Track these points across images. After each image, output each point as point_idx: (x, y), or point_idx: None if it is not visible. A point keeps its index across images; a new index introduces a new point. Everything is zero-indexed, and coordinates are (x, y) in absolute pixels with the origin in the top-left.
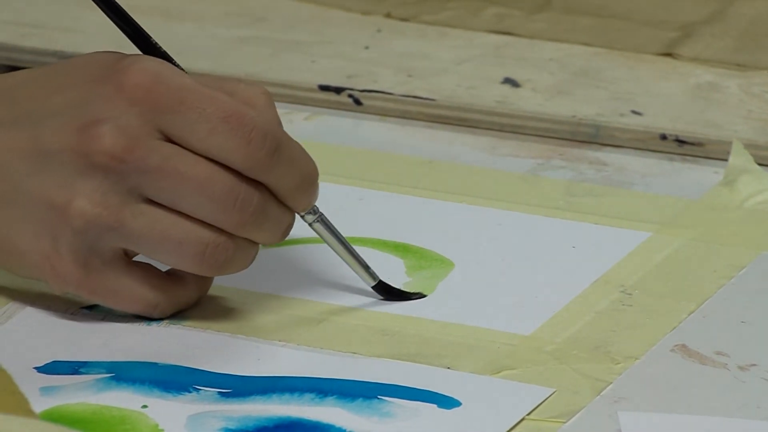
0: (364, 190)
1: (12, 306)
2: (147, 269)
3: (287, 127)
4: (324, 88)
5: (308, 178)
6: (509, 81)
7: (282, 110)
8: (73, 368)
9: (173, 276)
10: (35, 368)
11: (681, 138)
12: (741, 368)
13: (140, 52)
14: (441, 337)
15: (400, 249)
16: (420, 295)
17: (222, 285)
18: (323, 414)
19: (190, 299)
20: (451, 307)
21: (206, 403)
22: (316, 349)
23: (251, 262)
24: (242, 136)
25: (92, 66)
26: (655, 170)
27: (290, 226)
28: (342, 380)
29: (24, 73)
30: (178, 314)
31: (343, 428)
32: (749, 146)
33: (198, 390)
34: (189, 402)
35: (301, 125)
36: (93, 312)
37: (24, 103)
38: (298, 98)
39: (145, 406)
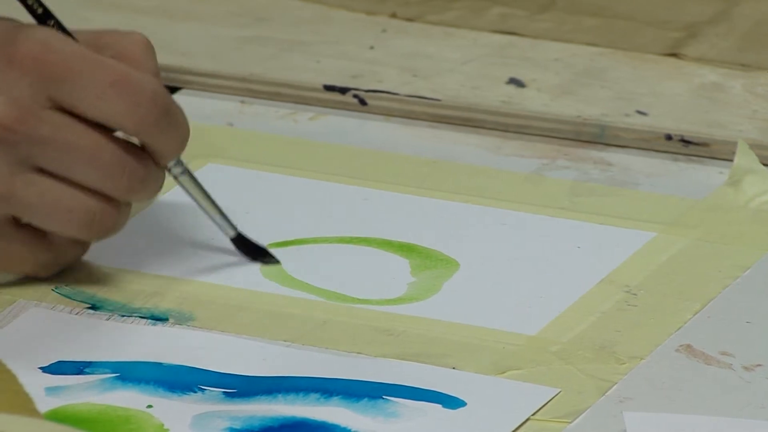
0: (369, 190)
1: (17, 306)
2: (32, 230)
3: (292, 128)
4: (329, 88)
5: (186, 139)
6: (514, 81)
7: (286, 110)
8: (78, 368)
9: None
10: (40, 368)
11: (686, 138)
12: (746, 368)
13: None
14: (446, 337)
15: (405, 249)
16: (274, 261)
17: (226, 285)
18: (328, 414)
19: (74, 256)
20: (456, 307)
21: (211, 403)
22: (321, 349)
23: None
24: (131, 101)
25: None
26: (660, 170)
27: (162, 181)
28: (347, 380)
29: None
30: (183, 314)
31: (349, 428)
32: (754, 146)
33: (203, 390)
34: (194, 402)
35: (305, 125)
36: (98, 312)
37: None
38: (302, 98)
39: (150, 406)
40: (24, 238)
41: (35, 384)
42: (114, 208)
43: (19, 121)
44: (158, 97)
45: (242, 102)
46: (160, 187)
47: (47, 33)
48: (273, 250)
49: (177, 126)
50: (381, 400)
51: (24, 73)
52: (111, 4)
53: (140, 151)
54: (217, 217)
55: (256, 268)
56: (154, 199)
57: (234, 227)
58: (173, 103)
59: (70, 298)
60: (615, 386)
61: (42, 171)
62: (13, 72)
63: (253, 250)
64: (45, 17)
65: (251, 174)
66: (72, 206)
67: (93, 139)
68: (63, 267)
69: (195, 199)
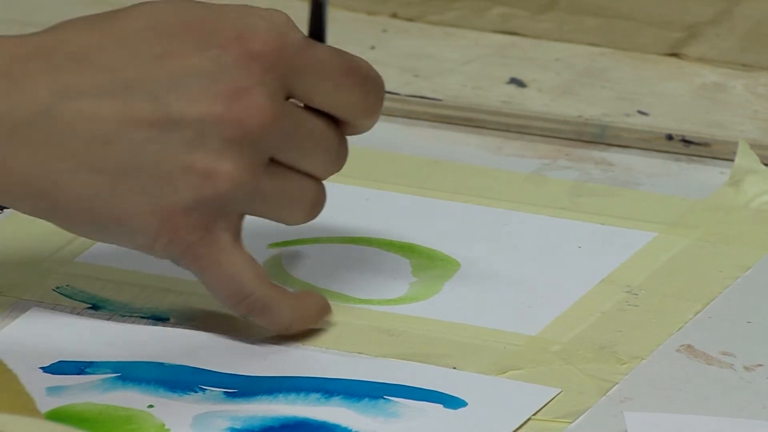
0: (370, 190)
1: (18, 306)
2: (253, 259)
3: None
4: None
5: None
6: (515, 81)
7: None
8: (79, 368)
9: (278, 286)
10: (41, 368)
11: (687, 138)
12: (747, 368)
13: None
14: (447, 337)
15: (406, 249)
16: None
17: None
18: (329, 414)
19: (282, 316)
20: (456, 307)
21: (212, 403)
22: (322, 349)
23: None
24: (363, 90)
25: (187, 27)
26: (661, 170)
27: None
28: (348, 380)
29: (82, 33)
30: (183, 314)
31: (349, 428)
32: (755, 146)
33: (204, 390)
34: (195, 402)
35: None
36: (99, 312)
37: (122, 69)
38: None
39: (151, 406)
40: (244, 254)
41: (36, 384)
42: (323, 188)
43: (276, 117)
44: (381, 84)
45: None
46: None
47: (280, 27)
48: (275, 250)
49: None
50: (382, 400)
51: (269, 67)
52: (115, 3)
53: (340, 130)
54: None
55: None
56: None
57: None
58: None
59: (71, 297)
60: (616, 386)
61: (277, 162)
62: (259, 66)
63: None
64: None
65: None
66: (303, 195)
67: (323, 128)
68: (266, 315)
69: None
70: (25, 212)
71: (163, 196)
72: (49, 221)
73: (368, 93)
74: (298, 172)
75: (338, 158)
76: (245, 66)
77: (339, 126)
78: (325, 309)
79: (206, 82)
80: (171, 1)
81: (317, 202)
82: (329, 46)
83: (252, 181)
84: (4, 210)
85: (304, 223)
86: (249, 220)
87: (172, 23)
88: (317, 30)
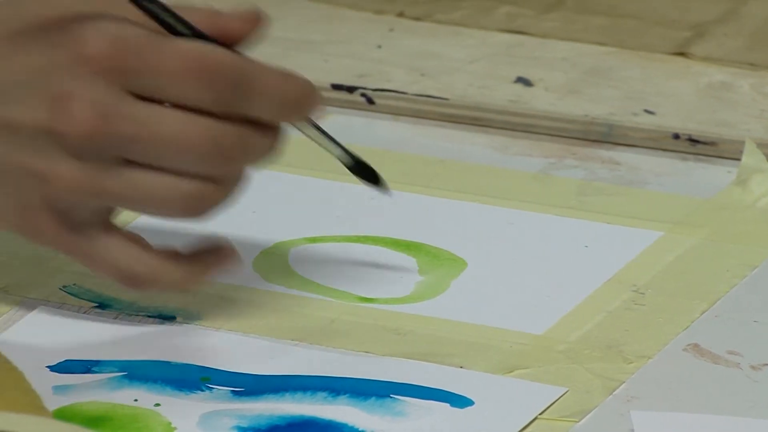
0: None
1: (24, 305)
2: (128, 237)
3: None
4: (336, 87)
5: (288, 96)
6: (522, 80)
7: None
8: (86, 367)
9: (167, 252)
10: (48, 367)
11: (694, 137)
12: (753, 368)
13: None
14: (453, 337)
15: (413, 248)
16: (386, 188)
17: (234, 284)
18: (336, 413)
19: (174, 281)
20: (463, 306)
21: (219, 402)
22: (329, 348)
23: (242, 190)
24: (206, 81)
25: (41, 23)
26: (668, 169)
27: (276, 145)
28: (355, 379)
29: None
30: (190, 313)
31: (356, 427)
32: (762, 146)
33: (210, 389)
34: (202, 400)
35: None
36: (106, 311)
37: None
38: None
39: (157, 405)
40: (113, 239)
41: (43, 383)
42: (211, 186)
43: (102, 125)
44: (225, 68)
45: None
46: (273, 147)
47: (114, 24)
48: (282, 249)
49: (264, 87)
50: (388, 399)
51: (97, 72)
52: None
53: (231, 123)
54: (336, 149)
55: (259, 266)
56: (272, 159)
57: (351, 155)
58: (250, 66)
59: (77, 296)
60: (622, 385)
61: (132, 162)
62: (86, 72)
63: (370, 175)
64: None
65: (259, 173)
66: (166, 195)
67: (177, 124)
68: (158, 287)
69: (311, 137)
70: None
71: (15, 196)
72: None
73: (211, 81)
74: (164, 171)
75: (215, 151)
76: (72, 69)
77: (230, 121)
78: (223, 258)
79: (37, 86)
80: None
81: (191, 202)
82: (174, 40)
83: (92, 183)
84: None
85: (192, 221)
86: (256, 218)
87: (45, 17)
88: (164, 23)
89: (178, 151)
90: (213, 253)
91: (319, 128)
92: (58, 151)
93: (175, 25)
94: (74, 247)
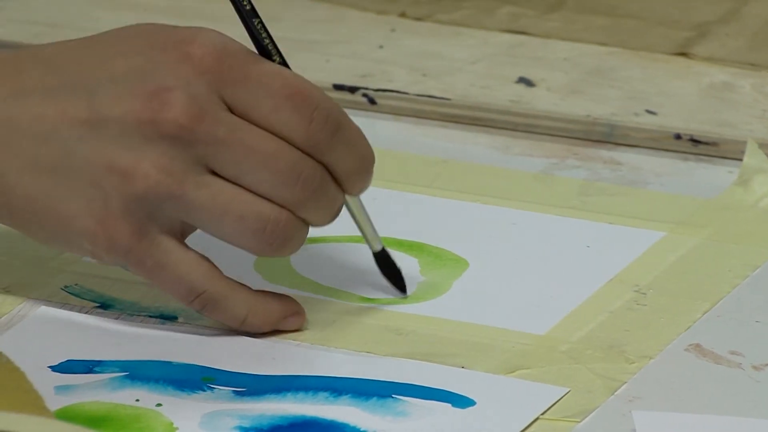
0: (379, 189)
1: (26, 305)
2: (201, 256)
3: None
4: (338, 87)
5: (365, 161)
6: (523, 80)
7: None
8: (88, 367)
9: (232, 281)
10: (50, 367)
11: (695, 137)
12: (755, 368)
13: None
14: (455, 337)
15: (415, 248)
16: (402, 291)
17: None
18: (338, 413)
19: (236, 310)
20: (465, 306)
21: (221, 402)
22: (331, 348)
23: (301, 246)
24: (305, 115)
25: (147, 35)
26: (670, 170)
27: (341, 208)
28: (356, 379)
29: (62, 43)
30: (192, 313)
31: (358, 427)
32: (764, 146)
33: (212, 389)
34: (203, 400)
35: None
36: (107, 311)
37: (73, 70)
38: None
39: (159, 405)
40: (186, 254)
41: (45, 383)
42: (289, 219)
43: (197, 119)
44: (332, 114)
45: None
46: (338, 209)
47: (222, 36)
48: None
49: (350, 146)
50: (390, 399)
51: (201, 72)
52: (123, 3)
53: (317, 165)
54: (370, 232)
55: (261, 266)
56: (329, 222)
57: (380, 242)
58: (350, 123)
59: (79, 297)
60: (624, 385)
61: (215, 174)
62: (190, 70)
63: (391, 271)
64: (251, 15)
65: None
66: (244, 212)
67: (269, 144)
68: (220, 311)
69: (353, 215)
70: None
71: (95, 199)
72: (11, 227)
73: (311, 120)
74: (245, 189)
75: (297, 183)
76: (176, 67)
77: (318, 164)
78: (294, 314)
79: (135, 82)
80: (144, 23)
81: (266, 226)
82: (279, 66)
83: (173, 184)
84: None
85: (259, 251)
86: None
87: (133, 33)
88: (263, 47)
89: (263, 169)
90: (282, 303)
91: (362, 205)
92: (147, 144)
93: (271, 52)
94: (146, 258)
